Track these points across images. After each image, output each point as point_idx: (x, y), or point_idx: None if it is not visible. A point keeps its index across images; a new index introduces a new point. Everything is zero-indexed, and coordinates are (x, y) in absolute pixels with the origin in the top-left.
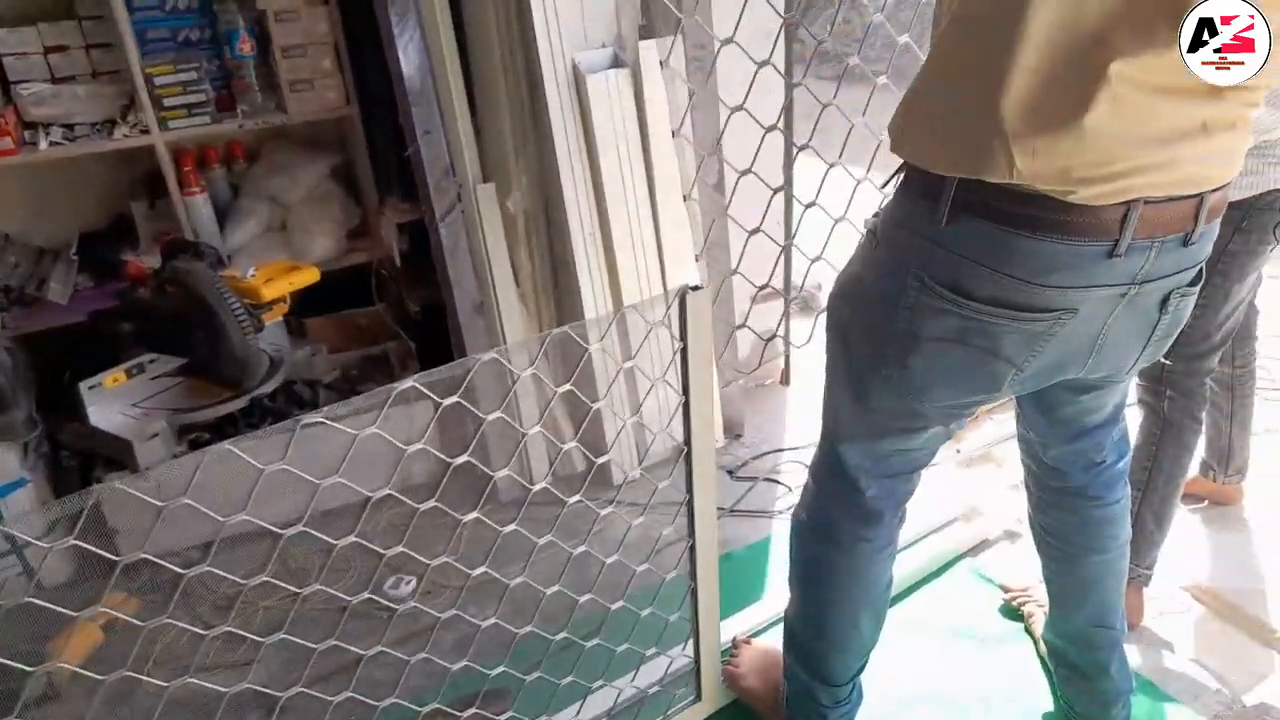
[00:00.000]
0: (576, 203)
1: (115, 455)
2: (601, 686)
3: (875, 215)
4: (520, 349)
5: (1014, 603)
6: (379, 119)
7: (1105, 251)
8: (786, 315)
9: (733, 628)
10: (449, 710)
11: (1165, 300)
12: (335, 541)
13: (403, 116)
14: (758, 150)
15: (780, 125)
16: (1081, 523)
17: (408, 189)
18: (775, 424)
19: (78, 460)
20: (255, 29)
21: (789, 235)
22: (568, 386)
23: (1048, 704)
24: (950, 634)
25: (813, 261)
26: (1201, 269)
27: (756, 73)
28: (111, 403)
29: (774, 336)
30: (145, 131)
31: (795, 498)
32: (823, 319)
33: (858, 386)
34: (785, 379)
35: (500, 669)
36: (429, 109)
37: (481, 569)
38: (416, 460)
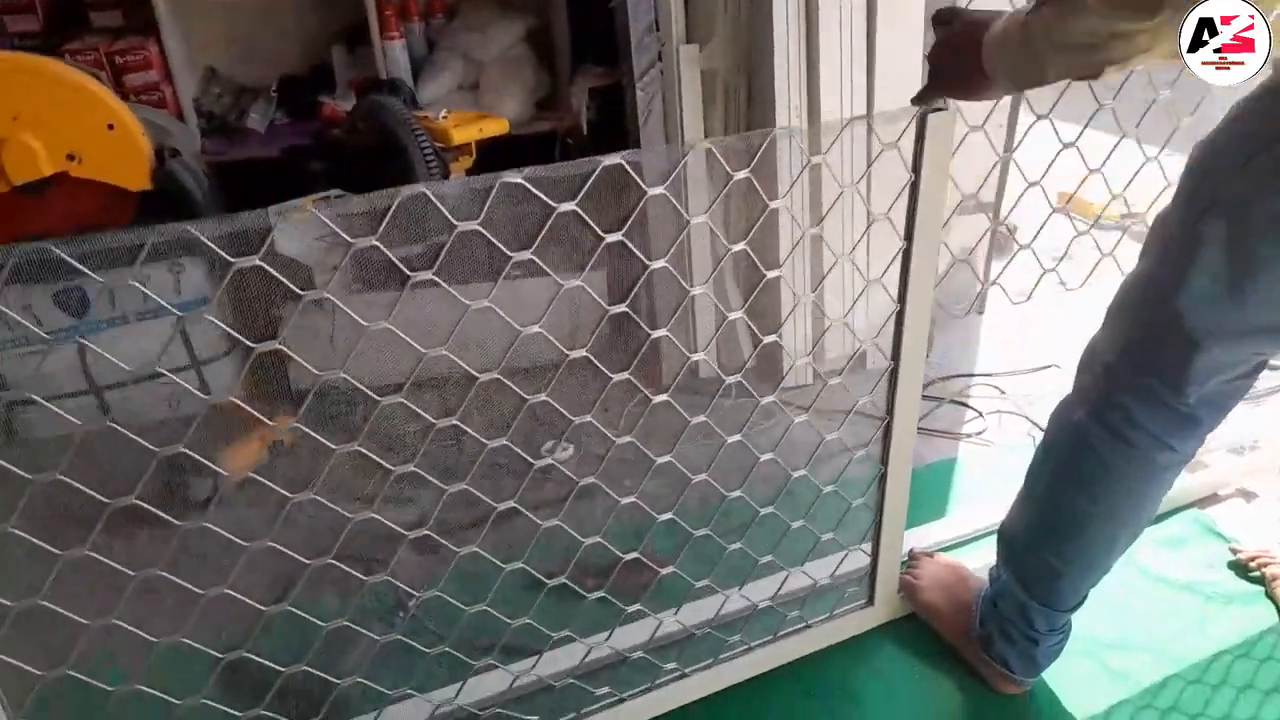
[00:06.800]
0: (786, 76)
1: (295, 282)
2: (770, 562)
3: None
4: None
5: (1251, 564)
6: None
7: None
8: (992, 240)
9: (910, 541)
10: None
11: None
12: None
13: None
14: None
15: None
16: None
17: (603, 53)
18: (965, 351)
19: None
20: None
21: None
22: (741, 245)
23: None
24: (1169, 585)
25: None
26: None
27: None
28: (297, 231)
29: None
30: None
31: (984, 423)
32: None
33: (1251, 267)
34: (980, 308)
35: (668, 516)
36: None
37: (663, 458)
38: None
